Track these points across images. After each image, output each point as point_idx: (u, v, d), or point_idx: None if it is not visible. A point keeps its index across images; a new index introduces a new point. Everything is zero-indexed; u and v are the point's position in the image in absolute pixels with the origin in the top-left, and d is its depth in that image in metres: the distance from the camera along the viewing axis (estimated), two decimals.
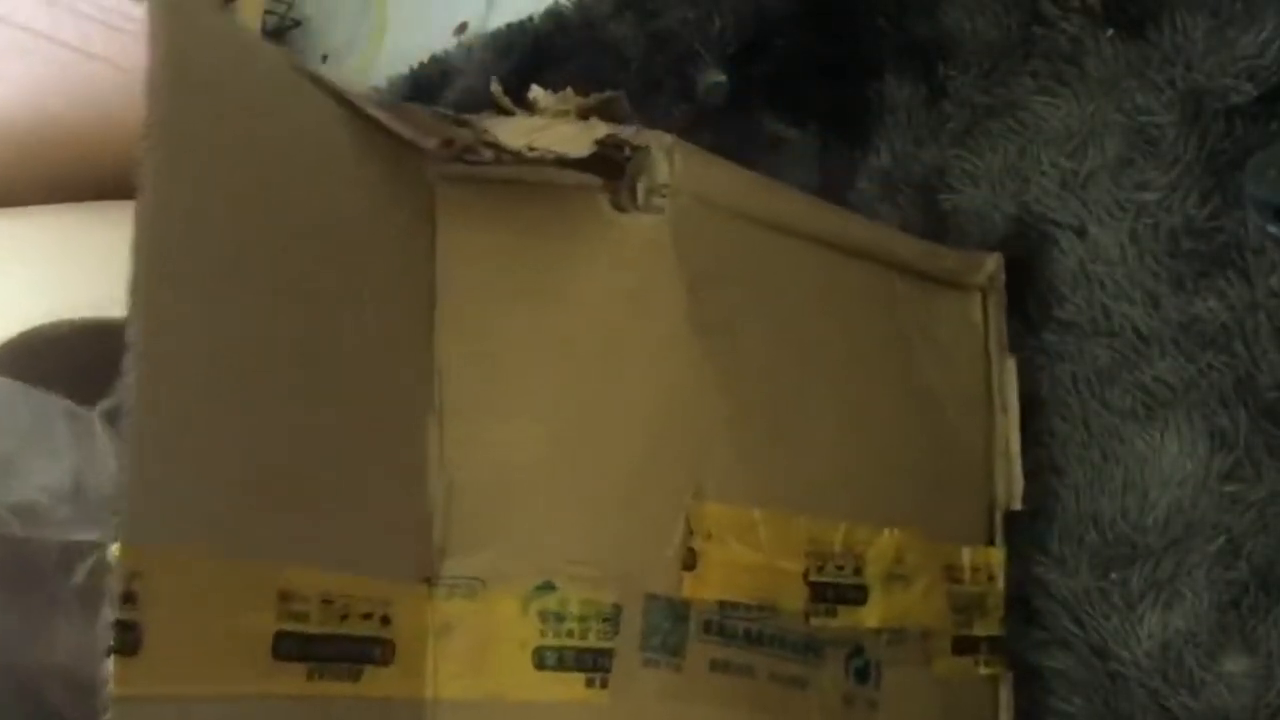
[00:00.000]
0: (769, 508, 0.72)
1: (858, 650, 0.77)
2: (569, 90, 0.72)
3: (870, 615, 0.78)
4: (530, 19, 1.28)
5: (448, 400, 0.64)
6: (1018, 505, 0.89)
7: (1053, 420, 0.90)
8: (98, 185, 0.81)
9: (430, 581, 0.64)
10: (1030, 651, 0.89)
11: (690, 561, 0.68)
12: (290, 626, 0.56)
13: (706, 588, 0.69)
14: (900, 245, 0.88)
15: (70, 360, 0.73)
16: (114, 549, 0.48)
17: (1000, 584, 0.88)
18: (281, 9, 1.50)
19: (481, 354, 0.66)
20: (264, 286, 0.56)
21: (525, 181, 0.67)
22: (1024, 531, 0.90)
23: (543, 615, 0.65)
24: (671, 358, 0.69)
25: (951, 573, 0.84)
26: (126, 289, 0.49)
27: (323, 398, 0.59)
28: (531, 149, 0.65)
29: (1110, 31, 0.92)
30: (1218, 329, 0.85)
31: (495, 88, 0.72)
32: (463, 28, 1.37)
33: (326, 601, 0.58)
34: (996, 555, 0.88)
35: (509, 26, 1.30)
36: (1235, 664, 0.81)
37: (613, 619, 0.66)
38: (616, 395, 0.68)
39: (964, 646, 0.85)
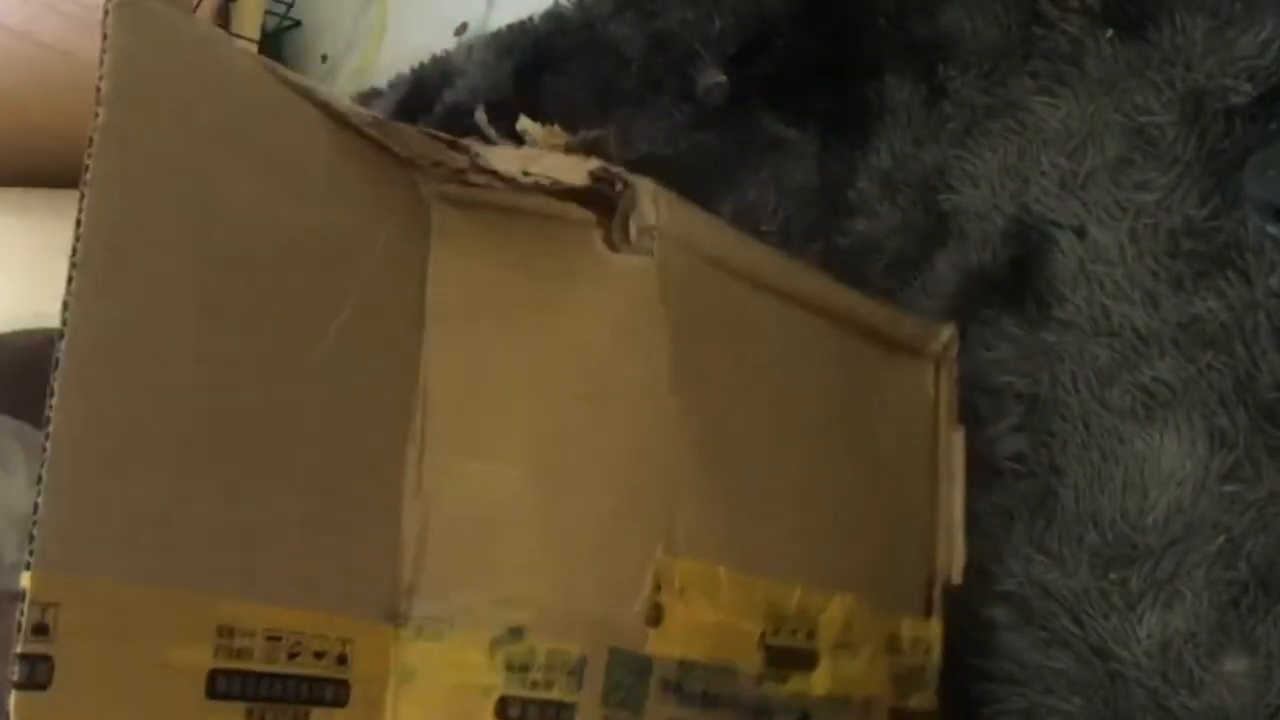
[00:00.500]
0: (733, 566, 0.71)
1: (804, 717, 0.76)
2: (556, 126, 0.71)
3: (819, 683, 0.77)
4: (530, 19, 1.28)
5: (430, 429, 0.62)
6: (958, 579, 0.89)
7: (1053, 420, 0.91)
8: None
9: (396, 621, 0.61)
10: (1030, 651, 0.89)
11: (656, 616, 0.67)
12: (229, 664, 0.53)
13: (670, 644, 0.68)
14: (865, 308, 0.87)
15: (22, 374, 0.69)
16: (25, 577, 0.45)
17: (936, 657, 0.87)
18: (281, 9, 1.50)
19: (467, 385, 0.64)
20: (220, 302, 0.54)
21: (520, 209, 0.66)
22: (1023, 532, 0.90)
23: (509, 663, 0.63)
24: (651, 405, 0.68)
25: (892, 643, 0.84)
26: (61, 301, 0.47)
27: (287, 417, 0.56)
28: (527, 174, 0.63)
29: (1110, 32, 0.92)
30: (1217, 329, 0.85)
31: (480, 116, 0.72)
32: (463, 28, 1.37)
33: (273, 638, 0.55)
34: (935, 628, 0.88)
35: (509, 27, 1.30)
36: (1235, 664, 0.82)
37: (577, 671, 0.64)
38: (595, 440, 0.66)
39: (900, 719, 0.84)
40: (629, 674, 0.66)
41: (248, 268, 0.55)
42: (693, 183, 1.13)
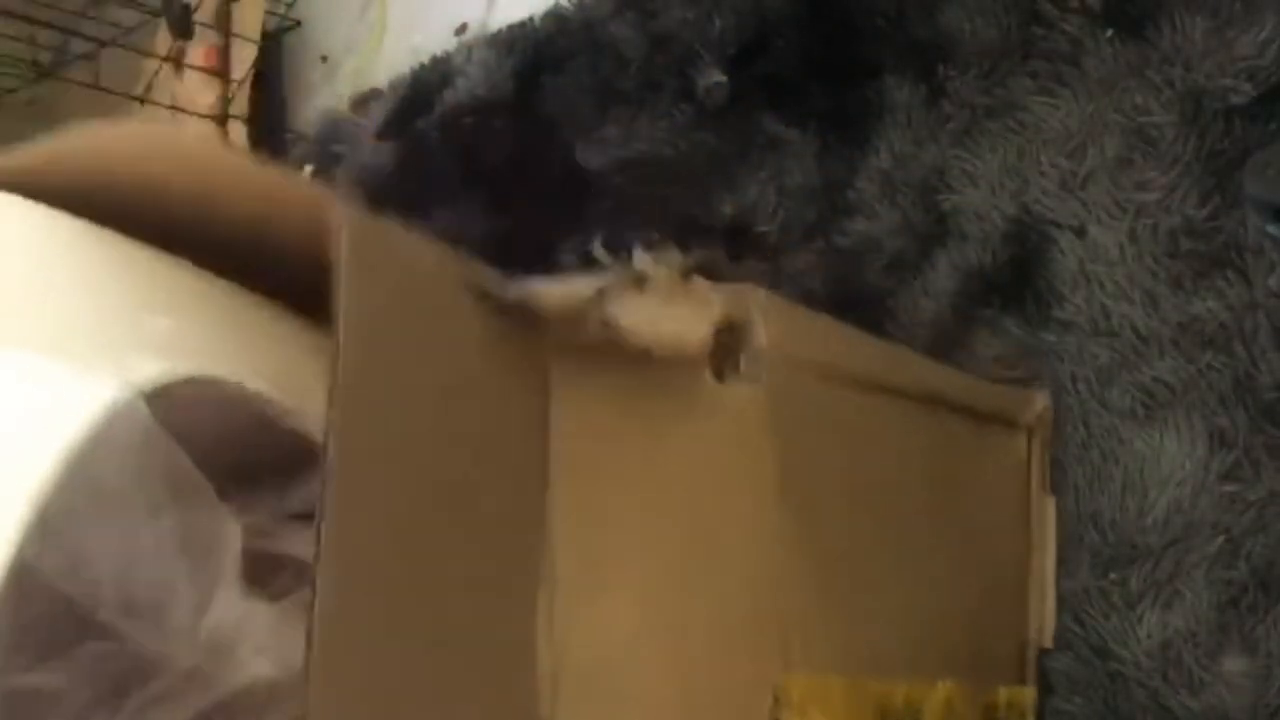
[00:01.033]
0: (844, 673, 0.72)
1: None
2: (669, 251, 0.72)
3: None
4: (530, 19, 1.28)
5: (559, 577, 0.65)
6: (1048, 644, 0.89)
7: (1053, 420, 0.91)
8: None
9: None
10: None
11: None
12: None
13: None
14: (958, 385, 0.88)
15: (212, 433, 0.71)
16: None
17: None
18: (281, 9, 1.50)
19: (589, 530, 0.66)
20: (414, 496, 0.58)
21: (627, 351, 0.66)
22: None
23: None
24: (760, 533, 0.69)
25: (989, 713, 0.85)
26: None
27: (440, 582, 0.60)
28: (660, 344, 0.64)
29: (1110, 32, 0.93)
30: (1217, 329, 0.85)
31: (598, 248, 0.73)
32: (463, 28, 1.37)
33: None
34: (1029, 695, 0.88)
35: (509, 27, 1.30)
36: (1235, 664, 0.82)
37: None
38: (708, 573, 0.68)
39: None
40: None
41: (430, 465, 0.59)
42: (693, 183, 1.13)
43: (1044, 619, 0.89)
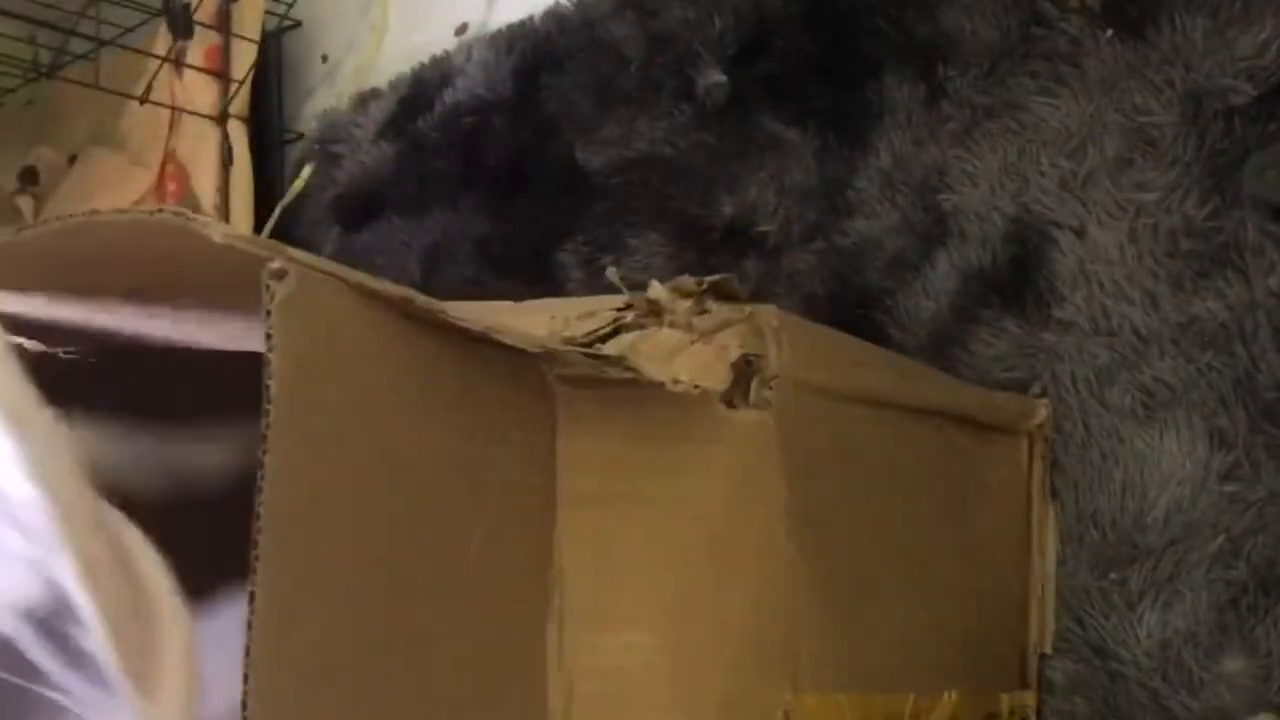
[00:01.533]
0: (852, 691, 0.72)
1: None
2: (685, 278, 0.72)
3: None
4: (530, 19, 1.28)
5: (567, 607, 0.66)
6: (1048, 649, 0.89)
7: (1052, 420, 0.91)
8: None
9: None
10: None
11: None
12: None
13: None
14: (960, 396, 0.88)
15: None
16: None
17: None
18: (281, 9, 1.50)
19: (598, 561, 0.66)
20: (385, 531, 0.58)
21: (640, 383, 0.67)
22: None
23: None
24: (771, 557, 0.69)
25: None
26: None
27: (443, 619, 0.61)
28: (677, 381, 0.64)
29: (1110, 32, 0.93)
30: (1217, 329, 0.85)
31: (611, 273, 0.73)
32: (463, 28, 1.37)
33: None
34: (1030, 699, 0.89)
35: (509, 27, 1.30)
36: (1235, 664, 0.82)
37: None
38: (719, 599, 0.68)
39: None
40: None
41: (411, 501, 0.59)
42: (693, 183, 1.13)
43: (1045, 624, 0.90)
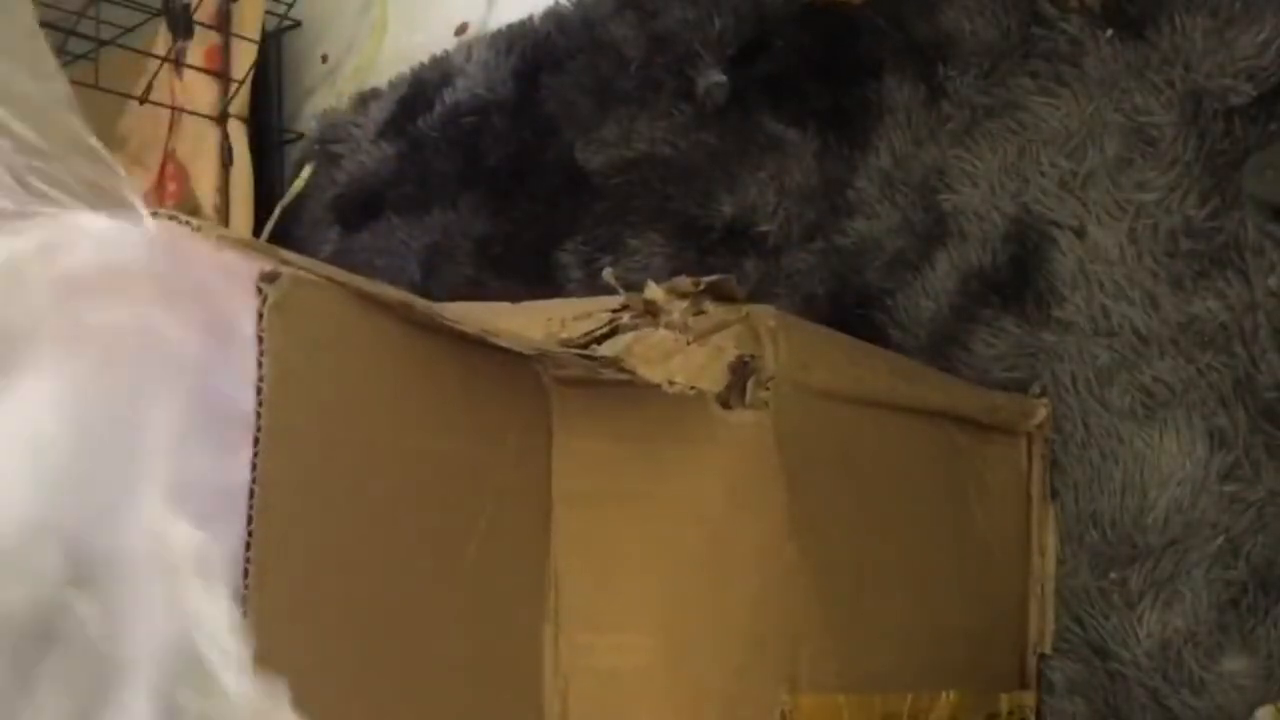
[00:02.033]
0: (851, 691, 0.72)
1: None
2: (682, 278, 0.72)
3: None
4: (530, 19, 1.28)
5: (563, 608, 0.66)
6: (1047, 649, 0.90)
7: (1052, 420, 0.91)
8: None
9: None
10: None
11: None
12: None
13: None
14: (963, 399, 0.88)
15: None
16: None
17: None
18: (281, 9, 1.50)
19: (595, 561, 0.67)
20: (381, 532, 0.58)
21: (636, 384, 0.67)
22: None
23: None
24: (770, 558, 0.70)
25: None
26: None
27: (441, 620, 0.61)
28: (672, 383, 0.64)
29: (1110, 32, 0.93)
30: (1216, 329, 0.85)
31: (608, 274, 0.73)
32: (463, 28, 1.37)
33: None
34: (1030, 699, 0.89)
35: (509, 27, 1.30)
36: (1234, 663, 0.82)
37: None
38: (718, 600, 0.69)
39: None
40: None
41: (406, 504, 0.60)
42: (693, 183, 1.13)
43: (1045, 624, 0.90)
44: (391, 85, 1.39)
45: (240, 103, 1.43)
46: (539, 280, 1.19)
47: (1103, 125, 0.92)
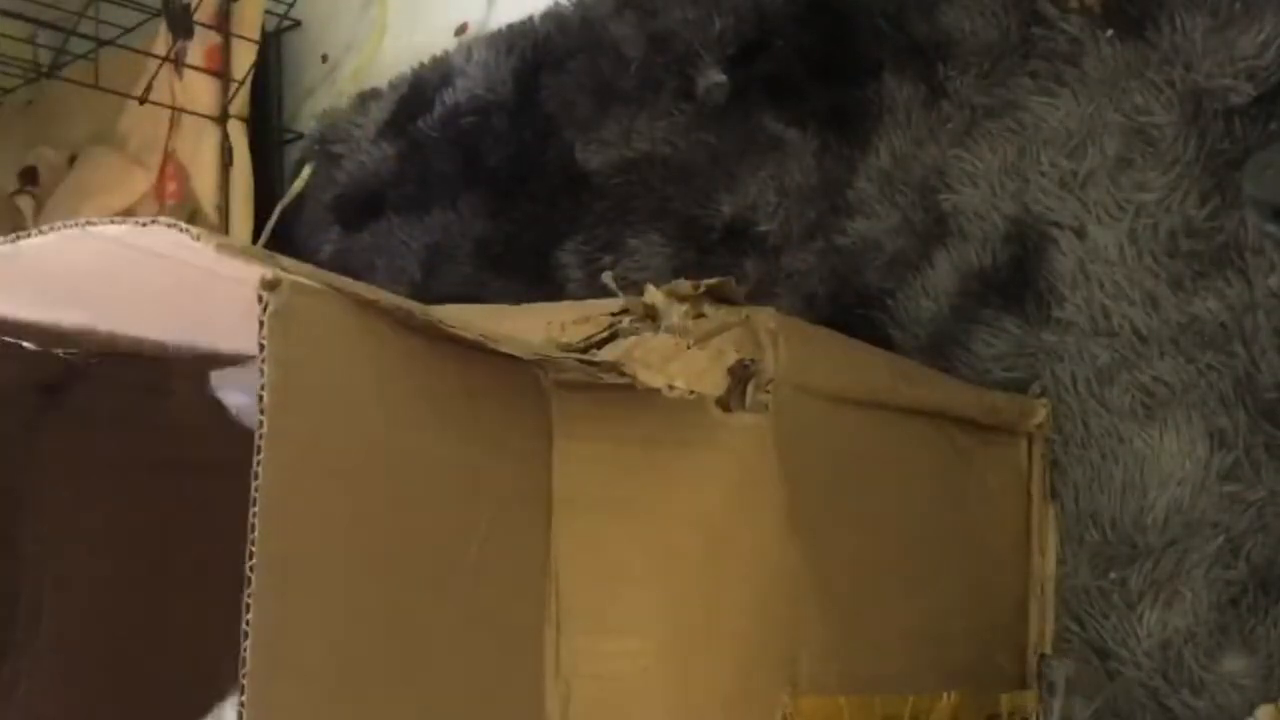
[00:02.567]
0: (851, 693, 0.72)
1: None
2: (681, 281, 0.72)
3: None
4: (530, 19, 1.28)
5: (564, 611, 0.65)
6: (1048, 649, 0.90)
7: (1053, 420, 0.91)
8: None
9: None
10: None
11: None
12: None
13: None
14: (964, 400, 0.88)
15: None
16: None
17: None
18: (281, 9, 1.50)
19: (596, 565, 0.66)
20: (384, 540, 0.58)
21: (636, 388, 0.67)
22: None
23: None
24: (770, 560, 0.70)
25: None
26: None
27: (443, 624, 0.61)
28: (672, 387, 0.64)
29: (1109, 32, 0.93)
30: (1217, 329, 0.85)
31: (607, 278, 0.73)
32: (463, 28, 1.37)
33: None
34: (1031, 698, 0.89)
35: (509, 27, 1.30)
36: (1234, 663, 0.82)
37: None
38: (718, 602, 0.68)
39: None
40: None
41: (407, 507, 0.59)
42: (693, 183, 1.13)
43: (1045, 624, 0.90)
44: (391, 85, 1.39)
45: (240, 103, 1.43)
46: (539, 280, 1.19)
47: (1103, 125, 0.92)
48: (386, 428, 0.58)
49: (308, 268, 0.54)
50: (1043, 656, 0.89)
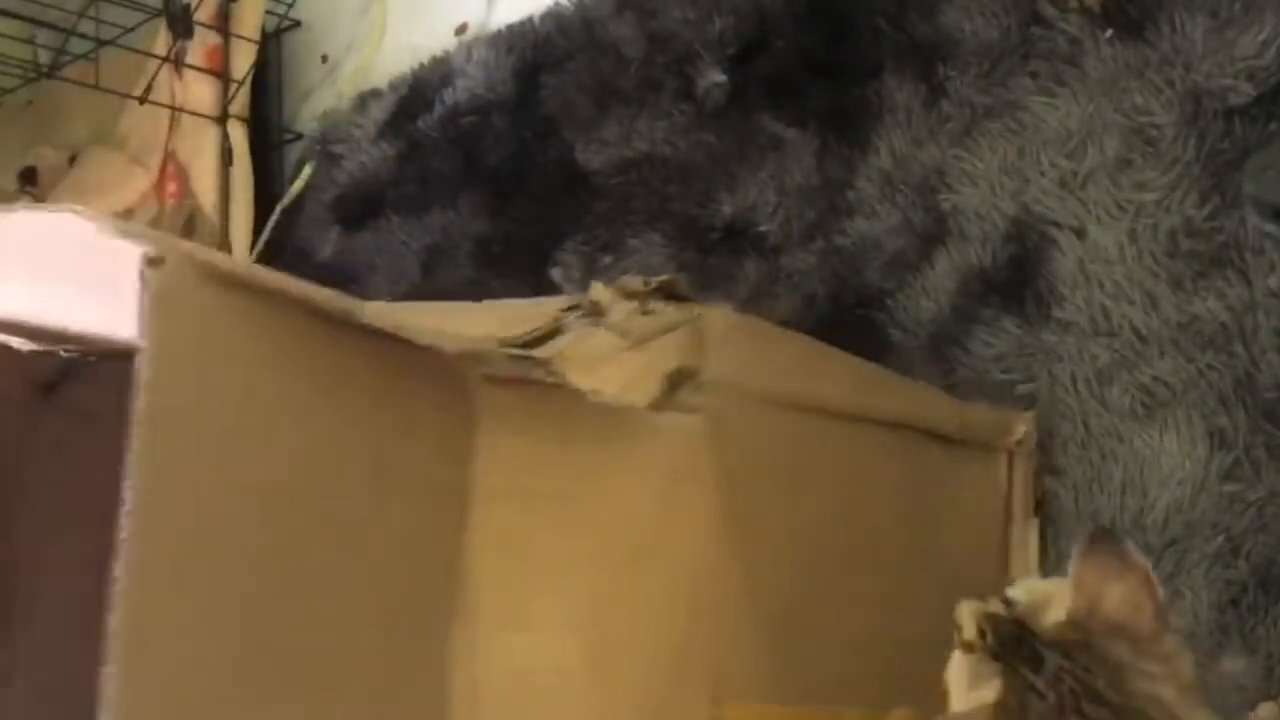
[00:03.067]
0: (787, 702, 0.71)
1: None
2: (627, 277, 0.71)
3: None
4: (530, 19, 1.28)
5: (478, 606, 0.64)
6: None
7: (1052, 420, 0.91)
8: None
9: None
10: None
11: None
12: None
13: None
14: (934, 410, 0.86)
15: None
16: None
17: None
18: (281, 9, 1.50)
19: (513, 559, 0.65)
20: (271, 518, 0.57)
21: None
22: None
23: None
24: (697, 561, 0.68)
25: None
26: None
27: (341, 612, 0.59)
28: (598, 392, 0.63)
29: (1110, 32, 0.93)
30: (1216, 329, 0.85)
31: (556, 273, 0.71)
32: (463, 28, 1.37)
33: None
34: None
35: (509, 27, 1.30)
36: (1235, 663, 0.82)
37: None
38: (642, 602, 0.67)
39: None
40: None
41: (298, 496, 0.58)
42: (693, 183, 1.13)
43: None
44: (391, 85, 1.39)
45: (240, 103, 1.43)
46: (539, 280, 1.19)
47: (1103, 125, 0.92)
48: (279, 413, 0.57)
49: (207, 250, 0.54)
50: None
